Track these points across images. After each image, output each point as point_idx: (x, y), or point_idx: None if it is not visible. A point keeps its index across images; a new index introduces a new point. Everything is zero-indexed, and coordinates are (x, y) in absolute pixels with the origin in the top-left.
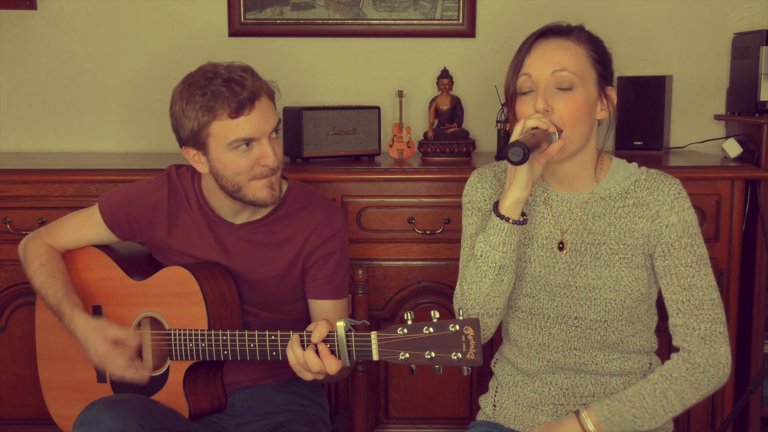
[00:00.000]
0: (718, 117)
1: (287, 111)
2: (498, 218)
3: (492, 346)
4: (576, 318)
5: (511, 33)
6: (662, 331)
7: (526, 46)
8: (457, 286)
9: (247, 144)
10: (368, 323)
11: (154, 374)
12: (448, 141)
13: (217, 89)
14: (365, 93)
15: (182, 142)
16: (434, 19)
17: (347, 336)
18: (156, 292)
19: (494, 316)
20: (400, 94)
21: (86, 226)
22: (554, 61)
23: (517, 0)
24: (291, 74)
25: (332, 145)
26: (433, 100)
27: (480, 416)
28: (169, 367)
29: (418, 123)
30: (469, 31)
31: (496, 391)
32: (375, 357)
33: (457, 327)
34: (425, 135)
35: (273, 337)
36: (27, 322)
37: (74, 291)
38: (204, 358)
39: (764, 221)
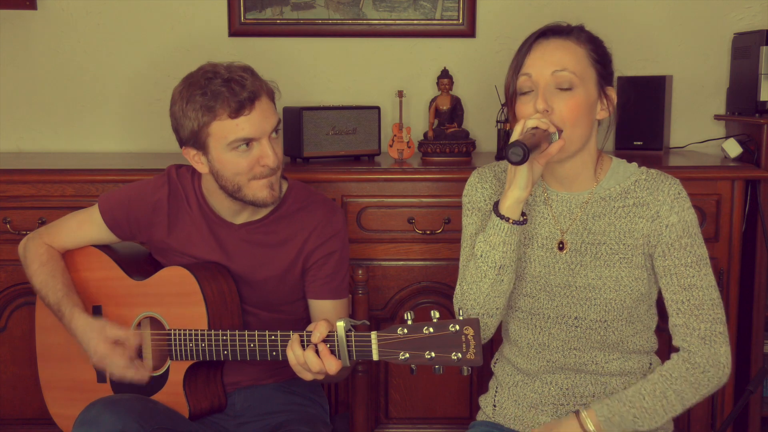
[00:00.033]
0: (718, 117)
1: (287, 111)
2: (498, 218)
3: (492, 346)
4: (576, 318)
5: (511, 33)
6: (662, 331)
7: (526, 46)
8: (457, 286)
9: (247, 144)
10: (368, 323)
11: (154, 374)
12: (448, 141)
13: (217, 89)
14: (365, 93)
15: (182, 142)
16: (434, 19)
17: (347, 336)
18: (156, 292)
19: (494, 316)
20: (400, 94)
21: (86, 226)
22: (554, 61)
23: (517, 0)
24: (291, 74)
25: (332, 145)
26: (433, 100)
27: (480, 416)
28: (169, 367)
29: (418, 123)
30: (469, 31)
31: (496, 391)
32: (375, 357)
33: (457, 327)
34: (425, 135)
35: (273, 337)
36: (27, 322)
37: (74, 291)
38: (204, 358)
39: (764, 221)
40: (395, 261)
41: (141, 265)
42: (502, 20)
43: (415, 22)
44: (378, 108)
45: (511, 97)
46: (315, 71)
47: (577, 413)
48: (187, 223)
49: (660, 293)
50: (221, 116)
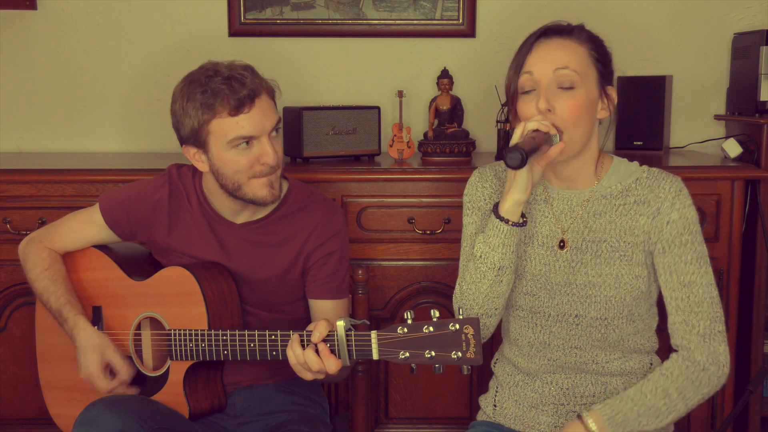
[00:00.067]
0: (718, 117)
1: (287, 111)
2: (497, 220)
3: (492, 346)
4: (576, 316)
5: (511, 33)
6: (662, 331)
7: (527, 45)
8: (457, 286)
9: (247, 142)
10: (368, 323)
11: (154, 374)
12: (448, 141)
13: (217, 87)
14: (365, 93)
15: (183, 140)
16: (434, 19)
17: (347, 335)
18: (156, 292)
19: (493, 316)
20: (400, 94)
21: (87, 227)
22: (556, 60)
23: (517, 0)
24: (291, 74)
25: (332, 145)
26: (433, 100)
27: (480, 416)
28: (169, 367)
29: (418, 123)
30: (469, 31)
31: (496, 391)
32: (375, 356)
33: (457, 326)
34: (425, 135)
35: (273, 336)
36: (27, 322)
37: (76, 297)
38: (204, 358)
39: (764, 221)
40: (395, 261)
41: (141, 265)
42: (502, 20)
43: (415, 22)
44: (378, 108)
45: (512, 97)
46: (315, 71)
47: (579, 416)
48: (188, 222)
49: (660, 292)
50: (221, 114)
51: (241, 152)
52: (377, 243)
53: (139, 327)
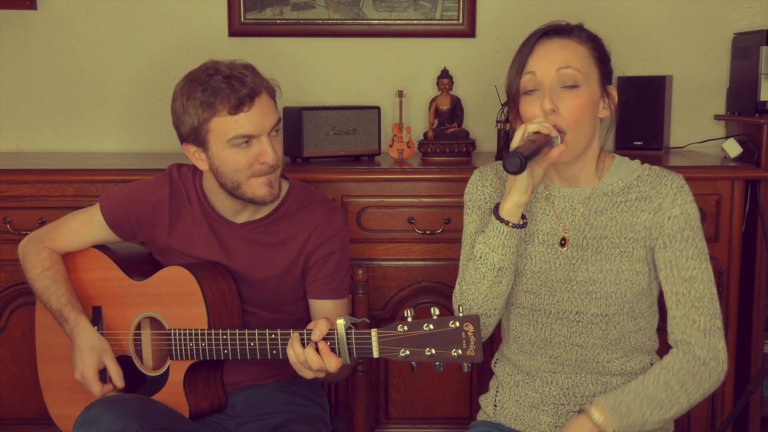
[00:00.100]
0: (718, 117)
1: (287, 111)
2: (497, 221)
3: (492, 346)
4: (577, 313)
5: (511, 33)
6: (663, 331)
7: (529, 46)
8: (457, 286)
9: (247, 141)
10: (368, 321)
11: (154, 374)
12: (448, 141)
13: (218, 85)
14: (365, 93)
15: (183, 139)
16: (434, 19)
17: (347, 333)
18: (156, 292)
19: (492, 316)
20: (400, 94)
21: (87, 227)
22: (558, 59)
23: (517, 0)
24: (291, 74)
25: (332, 145)
26: (433, 100)
27: (480, 416)
28: (169, 367)
29: (418, 123)
30: (469, 31)
31: (497, 391)
32: (375, 354)
33: (457, 324)
34: (425, 135)
35: (273, 335)
36: (27, 322)
37: (76, 297)
38: (204, 357)
39: (764, 221)
40: (395, 261)
41: (141, 265)
42: (502, 20)
43: (415, 22)
44: (378, 108)
45: (514, 98)
46: (315, 71)
47: (582, 410)
48: (188, 221)
49: (661, 291)
50: (221, 112)
51: (240, 151)
52: (377, 243)
53: (139, 327)
